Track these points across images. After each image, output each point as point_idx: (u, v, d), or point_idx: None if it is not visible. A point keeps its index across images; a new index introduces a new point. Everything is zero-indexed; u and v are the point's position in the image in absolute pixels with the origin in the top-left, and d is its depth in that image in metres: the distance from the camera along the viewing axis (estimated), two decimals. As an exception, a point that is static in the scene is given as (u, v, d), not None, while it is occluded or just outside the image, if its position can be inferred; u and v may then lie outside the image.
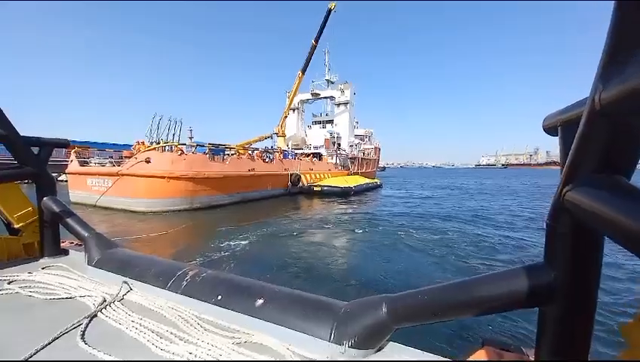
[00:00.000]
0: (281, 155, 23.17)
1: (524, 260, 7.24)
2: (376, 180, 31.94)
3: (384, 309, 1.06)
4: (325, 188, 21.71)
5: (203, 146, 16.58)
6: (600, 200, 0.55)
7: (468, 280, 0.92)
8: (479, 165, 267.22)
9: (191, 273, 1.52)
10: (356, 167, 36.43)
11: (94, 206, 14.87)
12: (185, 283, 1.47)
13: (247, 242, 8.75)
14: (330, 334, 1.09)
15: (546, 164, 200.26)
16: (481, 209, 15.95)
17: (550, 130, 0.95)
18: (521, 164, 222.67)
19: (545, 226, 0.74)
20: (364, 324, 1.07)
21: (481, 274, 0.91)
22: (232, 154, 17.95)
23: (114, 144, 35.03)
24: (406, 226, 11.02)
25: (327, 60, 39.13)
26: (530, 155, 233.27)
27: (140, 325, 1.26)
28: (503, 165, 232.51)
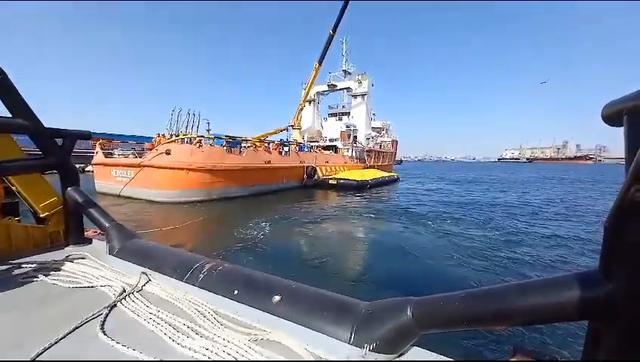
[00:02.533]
0: (297, 148, 23.16)
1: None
2: (393, 174, 31.35)
3: (409, 313, 0.99)
4: (341, 181, 21.49)
5: (220, 138, 16.83)
6: None
7: (506, 286, 0.84)
8: (502, 159, 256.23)
9: (208, 266, 1.52)
10: (373, 160, 35.95)
11: (118, 196, 15.53)
12: (202, 275, 1.47)
13: (266, 232, 8.84)
14: (351, 336, 1.04)
15: (576, 158, 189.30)
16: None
17: (611, 119, 0.82)
18: (548, 158, 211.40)
19: (604, 230, 0.65)
20: (386, 327, 1.01)
21: (521, 281, 0.83)
22: (249, 147, 18.12)
23: (135, 136, 36.37)
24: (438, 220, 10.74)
25: (344, 50, 38.44)
26: (558, 149, 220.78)
27: (158, 317, 1.27)
28: (527, 159, 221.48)
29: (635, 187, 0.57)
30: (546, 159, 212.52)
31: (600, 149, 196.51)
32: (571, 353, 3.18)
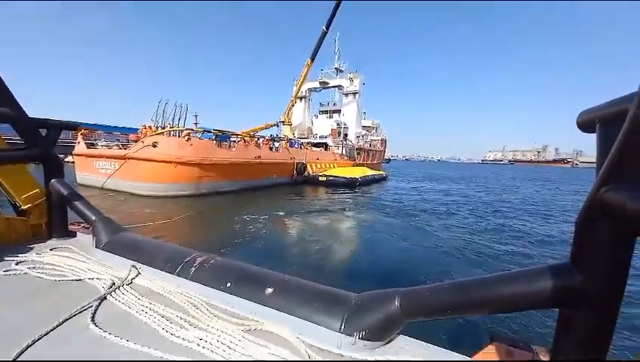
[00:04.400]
0: (288, 144, 23.00)
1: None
2: (382, 172, 31.69)
3: (397, 303, 1.06)
4: (331, 178, 21.59)
5: (209, 132, 16.48)
6: None
7: (487, 278, 0.91)
8: (485, 160, 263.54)
9: (200, 259, 1.52)
10: (362, 159, 36.17)
11: (101, 188, 14.98)
12: (193, 269, 1.47)
13: (257, 227, 8.79)
14: (341, 325, 1.09)
15: (554, 161, 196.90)
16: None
17: (586, 126, 0.91)
18: (529, 161, 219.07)
19: (575, 225, 0.71)
20: (375, 317, 1.07)
21: (500, 272, 0.90)
22: (239, 142, 17.84)
23: (119, 127, 35.08)
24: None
25: (337, 48, 38.32)
26: (538, 152, 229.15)
27: (150, 309, 1.26)
28: (510, 161, 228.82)
29: (603, 188, 0.63)
30: (526, 161, 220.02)
31: (577, 153, 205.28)
32: (543, 339, 3.38)
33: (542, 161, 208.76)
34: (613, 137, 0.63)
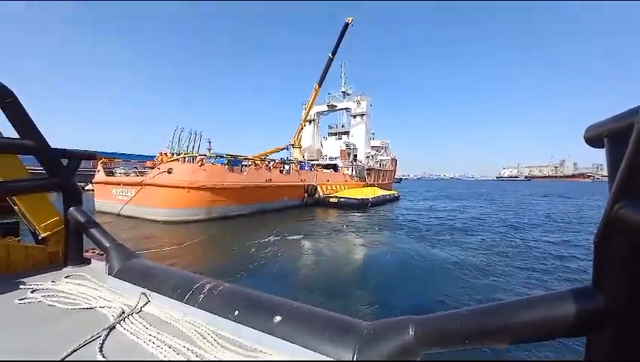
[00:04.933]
0: (298, 166, 23.29)
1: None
2: (393, 192, 31.32)
3: (411, 332, 0.98)
4: (342, 199, 21.44)
5: (222, 157, 16.94)
6: None
7: (505, 303, 0.84)
8: (500, 177, 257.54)
9: (208, 286, 1.50)
10: (373, 179, 36.05)
11: (118, 215, 15.39)
12: (202, 296, 1.45)
13: (268, 251, 8.70)
14: (353, 356, 1.03)
15: (573, 176, 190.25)
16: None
17: (594, 141, 0.87)
18: (546, 176, 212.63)
19: (593, 246, 0.69)
20: (389, 347, 1.00)
21: (520, 298, 0.84)
22: (250, 165, 18.22)
23: (139, 155, 36.65)
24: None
25: (343, 72, 39.73)
26: (556, 167, 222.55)
27: (157, 339, 1.24)
28: (526, 177, 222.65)
29: (617, 205, 0.61)
30: (543, 177, 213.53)
31: (597, 167, 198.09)
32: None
33: (561, 177, 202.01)
34: (623, 152, 0.62)
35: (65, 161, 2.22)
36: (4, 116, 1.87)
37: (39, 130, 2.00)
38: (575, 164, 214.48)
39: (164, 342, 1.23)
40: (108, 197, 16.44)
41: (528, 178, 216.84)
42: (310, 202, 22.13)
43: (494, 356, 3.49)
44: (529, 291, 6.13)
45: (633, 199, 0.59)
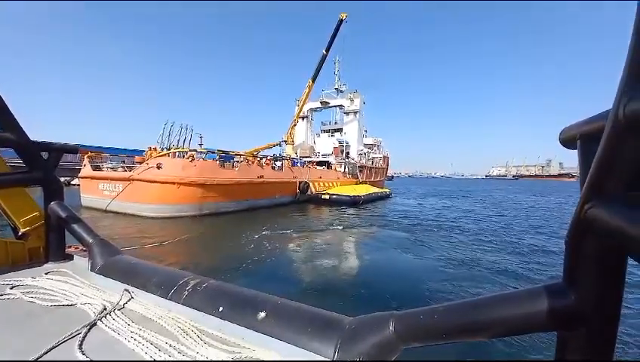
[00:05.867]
0: (290, 163, 23.20)
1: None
2: (385, 189, 31.60)
3: (391, 327, 1.00)
4: (334, 196, 21.51)
5: (213, 153, 16.72)
6: (627, 218, 0.53)
7: (481, 299, 0.87)
8: (489, 176, 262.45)
9: (193, 282, 1.50)
10: (365, 176, 36.24)
11: (105, 210, 15.05)
12: (186, 292, 1.45)
13: (259, 248, 8.64)
14: (335, 352, 1.05)
15: (560, 175, 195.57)
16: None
17: (568, 143, 0.91)
18: (533, 176, 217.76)
19: (565, 244, 0.71)
20: (370, 342, 1.02)
21: (494, 293, 0.86)
22: (241, 162, 18.05)
23: (127, 149, 35.82)
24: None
25: (337, 69, 39.64)
26: (542, 167, 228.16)
27: (139, 336, 1.22)
28: (514, 176, 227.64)
29: (587, 205, 0.63)
30: (530, 176, 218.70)
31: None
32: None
33: (546, 176, 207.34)
34: (594, 153, 0.63)
35: (45, 155, 2.14)
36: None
37: (18, 122, 1.92)
38: (561, 163, 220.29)
39: (145, 338, 1.21)
40: (95, 192, 16.03)
41: (516, 177, 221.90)
42: (303, 199, 22.11)
43: (473, 351, 3.60)
44: (505, 280, 6.41)
45: (602, 199, 0.61)
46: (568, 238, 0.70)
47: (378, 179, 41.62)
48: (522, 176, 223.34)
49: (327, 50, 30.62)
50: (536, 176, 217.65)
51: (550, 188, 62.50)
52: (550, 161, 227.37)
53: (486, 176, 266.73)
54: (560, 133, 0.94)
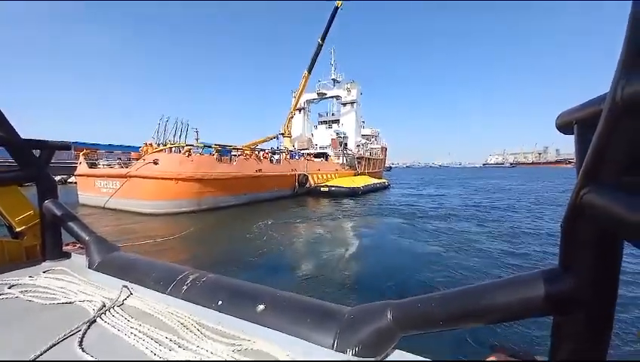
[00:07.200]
0: (288, 156, 23.12)
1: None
2: (383, 180, 31.68)
3: (389, 316, 1.02)
4: (333, 188, 21.57)
5: (210, 147, 16.61)
6: (622, 203, 0.52)
7: (477, 287, 0.88)
8: (487, 164, 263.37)
9: (192, 277, 1.50)
10: (363, 167, 36.23)
11: (103, 208, 15.01)
12: (185, 287, 1.45)
13: (258, 242, 8.67)
14: (334, 341, 1.06)
15: (557, 162, 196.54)
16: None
17: (564, 128, 0.91)
18: (530, 163, 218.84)
19: (560, 229, 0.71)
20: (368, 331, 1.04)
21: (491, 280, 0.87)
22: (239, 155, 17.95)
23: (122, 146, 35.52)
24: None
25: (333, 59, 39.12)
26: (539, 154, 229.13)
27: (139, 331, 1.23)
28: (511, 164, 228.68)
29: (583, 190, 0.63)
30: (528, 164, 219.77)
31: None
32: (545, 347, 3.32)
33: (543, 163, 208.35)
34: (590, 138, 0.63)
35: (38, 153, 2.12)
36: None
37: (8, 120, 1.90)
38: (558, 150, 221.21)
39: (145, 333, 1.22)
40: (92, 190, 15.95)
41: (513, 165, 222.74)
42: (301, 191, 22.13)
43: (470, 337, 3.65)
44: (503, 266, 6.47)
45: (598, 184, 0.61)
46: (564, 224, 0.70)
47: (377, 169, 41.65)
48: (519, 164, 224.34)
49: (323, 39, 30.06)
50: (533, 163, 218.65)
51: (548, 175, 62.85)
52: (547, 148, 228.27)
53: (483, 165, 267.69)
54: (556, 119, 0.93)
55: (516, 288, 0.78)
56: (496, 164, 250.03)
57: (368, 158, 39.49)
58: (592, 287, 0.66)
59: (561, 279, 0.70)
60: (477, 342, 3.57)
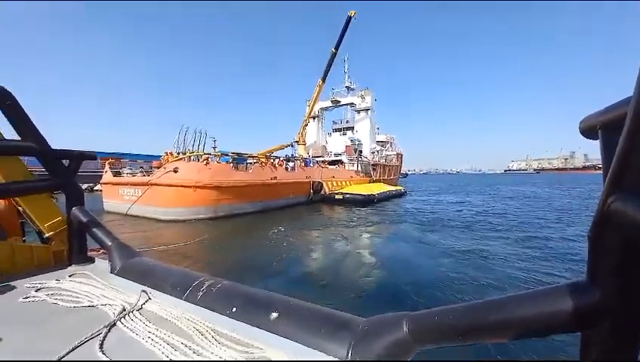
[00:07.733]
0: (303, 163, 23.28)
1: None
2: (399, 187, 31.12)
3: (405, 328, 0.98)
4: (347, 195, 21.37)
5: (227, 155, 17.03)
6: None
7: (499, 299, 0.83)
8: (509, 170, 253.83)
9: (207, 283, 1.52)
10: (378, 174, 35.87)
11: (125, 214, 15.63)
12: (201, 293, 1.47)
13: (274, 249, 8.70)
14: (347, 353, 1.04)
15: (584, 168, 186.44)
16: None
17: (588, 132, 0.86)
18: (555, 169, 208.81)
19: (587, 240, 0.67)
20: (383, 343, 1.00)
21: (514, 293, 0.81)
22: (255, 163, 18.27)
23: (145, 155, 37.13)
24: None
25: (346, 67, 39.46)
26: (566, 159, 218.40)
27: (156, 336, 1.26)
28: (535, 170, 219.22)
29: (610, 198, 0.60)
30: (553, 170, 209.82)
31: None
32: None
33: (571, 169, 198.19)
34: (616, 143, 0.60)
35: (66, 162, 2.24)
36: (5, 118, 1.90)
37: (39, 131, 2.03)
38: (586, 155, 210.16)
39: (162, 338, 1.25)
40: (116, 197, 16.70)
41: (537, 171, 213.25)
42: (316, 199, 22.14)
43: (489, 353, 3.44)
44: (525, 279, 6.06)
45: (626, 192, 0.58)
46: (591, 233, 0.66)
47: (392, 176, 41.12)
48: (544, 170, 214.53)
49: (337, 48, 30.47)
50: (558, 169, 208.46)
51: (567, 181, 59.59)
52: (574, 152, 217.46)
53: (505, 171, 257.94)
54: (580, 123, 0.89)
55: (542, 301, 0.73)
56: (520, 170, 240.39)
57: (383, 165, 39.09)
58: (621, 300, 0.62)
59: (589, 292, 0.66)
60: (503, 354, 3.38)
